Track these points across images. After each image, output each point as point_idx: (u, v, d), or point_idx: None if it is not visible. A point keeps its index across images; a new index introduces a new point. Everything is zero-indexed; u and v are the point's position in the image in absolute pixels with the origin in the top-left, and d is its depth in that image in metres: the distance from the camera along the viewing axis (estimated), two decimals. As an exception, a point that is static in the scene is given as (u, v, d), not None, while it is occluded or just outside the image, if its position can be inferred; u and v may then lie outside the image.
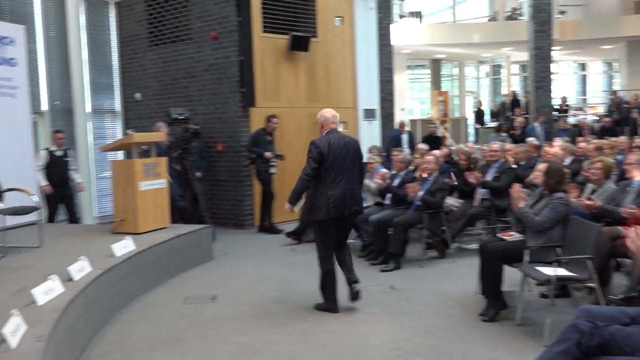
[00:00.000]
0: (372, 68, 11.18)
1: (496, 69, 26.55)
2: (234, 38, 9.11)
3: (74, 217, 8.59)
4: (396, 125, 12.37)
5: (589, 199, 5.32)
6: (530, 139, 9.55)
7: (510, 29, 20.15)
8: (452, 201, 7.40)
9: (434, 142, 11.56)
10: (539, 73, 15.02)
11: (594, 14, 21.76)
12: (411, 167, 7.53)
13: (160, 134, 7.66)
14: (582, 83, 27.96)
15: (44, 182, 8.08)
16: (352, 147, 5.09)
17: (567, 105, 18.89)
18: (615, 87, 23.61)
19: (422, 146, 9.08)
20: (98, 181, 10.39)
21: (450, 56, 23.95)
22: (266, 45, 9.42)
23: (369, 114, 11.16)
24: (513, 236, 4.97)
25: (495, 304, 4.73)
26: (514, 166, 7.70)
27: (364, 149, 10.12)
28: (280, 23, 9.60)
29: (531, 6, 15.21)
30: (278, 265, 6.83)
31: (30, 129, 8.13)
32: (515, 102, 18.19)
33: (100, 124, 10.73)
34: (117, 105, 10.93)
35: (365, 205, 7.36)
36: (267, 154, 8.62)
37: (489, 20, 22.90)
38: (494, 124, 17.56)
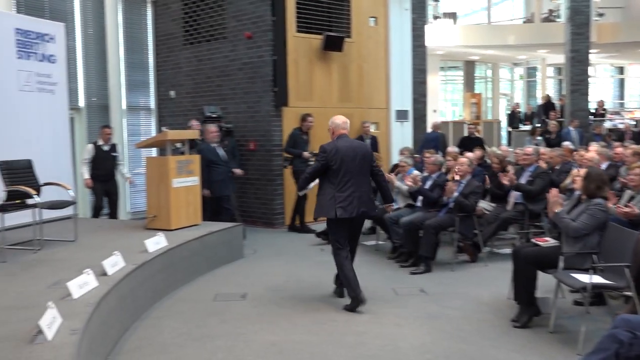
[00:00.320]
0: (406, 69, 11.11)
1: (531, 72, 26.18)
2: (268, 37, 9.15)
3: (115, 212, 8.71)
4: (433, 127, 12.29)
5: (626, 205, 5.21)
6: (566, 143, 9.39)
7: (546, 31, 19.84)
8: (484, 204, 7.32)
9: (471, 143, 11.44)
10: (575, 76, 14.75)
11: (633, 17, 21.29)
12: (443, 170, 7.46)
13: (193, 132, 7.73)
14: (620, 87, 27.38)
15: (86, 176, 8.27)
16: (361, 152, 5.28)
17: (604, 110, 18.53)
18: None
19: (453, 149, 9.00)
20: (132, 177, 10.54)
21: (484, 58, 23.68)
22: (300, 45, 9.44)
23: (401, 115, 11.10)
24: (548, 242, 4.88)
25: (528, 310, 4.65)
26: (549, 171, 7.57)
27: (395, 150, 10.16)
28: (314, 23, 9.61)
29: (569, 8, 14.94)
30: (308, 265, 6.83)
31: (67, 125, 8.28)
32: (549, 105, 17.91)
33: (134, 121, 10.89)
34: (152, 102, 11.07)
35: (395, 206, 7.34)
36: (306, 154, 8.66)
37: (525, 22, 22.59)
38: (527, 127, 17.31)
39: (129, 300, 4.84)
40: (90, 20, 10.00)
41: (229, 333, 4.63)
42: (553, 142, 12.16)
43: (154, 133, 10.90)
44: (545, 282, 4.85)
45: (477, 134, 12.30)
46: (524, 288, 4.68)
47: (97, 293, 4.25)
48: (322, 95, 9.83)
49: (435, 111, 20.20)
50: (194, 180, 7.01)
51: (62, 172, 7.68)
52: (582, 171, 5.23)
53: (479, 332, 4.57)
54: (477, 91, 23.39)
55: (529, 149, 7.61)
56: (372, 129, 10.37)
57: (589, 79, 15.28)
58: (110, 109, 10.29)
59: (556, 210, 4.66)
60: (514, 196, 7.11)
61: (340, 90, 10.10)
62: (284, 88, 9.18)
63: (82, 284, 4.28)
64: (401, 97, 11.09)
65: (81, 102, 9.88)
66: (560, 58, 17.30)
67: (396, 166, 8.54)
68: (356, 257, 6.66)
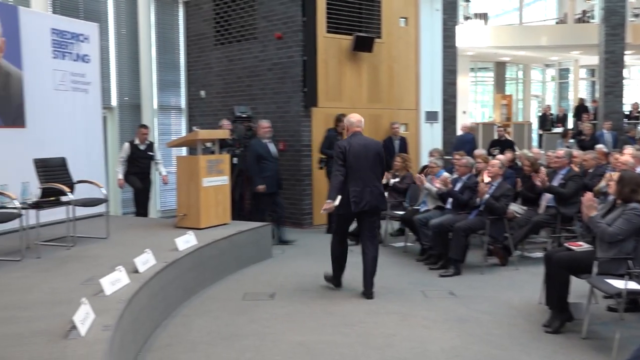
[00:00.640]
0: (436, 70, 11.04)
1: (563, 73, 25.78)
2: (298, 38, 9.17)
3: (145, 210, 8.76)
4: (465, 129, 12.19)
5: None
6: (599, 146, 9.21)
7: (579, 32, 19.51)
8: (515, 207, 7.23)
9: (501, 146, 11.32)
10: (610, 78, 14.51)
11: (670, 17, 20.83)
12: (473, 172, 7.39)
13: (224, 132, 7.79)
14: (655, 89, 26.81)
15: (120, 175, 8.41)
16: (372, 149, 5.59)
17: (639, 112, 18.16)
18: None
19: (481, 151, 8.91)
20: (160, 177, 10.66)
21: (516, 59, 23.39)
22: (330, 46, 9.44)
23: (431, 116, 11.02)
24: (582, 246, 4.80)
25: (560, 315, 4.58)
26: (582, 174, 7.44)
27: (425, 151, 10.10)
28: (344, 23, 9.61)
29: (603, 9, 14.69)
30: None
31: (100, 124, 8.41)
32: (582, 107, 17.62)
33: (165, 120, 11.02)
34: (182, 102, 11.18)
35: (425, 208, 7.30)
36: None
37: (557, 22, 22.25)
38: (559, 130, 17.06)
39: (160, 297, 4.90)
40: (124, 21, 10.15)
41: (257, 332, 4.64)
42: (587, 144, 11.96)
43: (184, 132, 11.01)
44: (578, 287, 4.76)
45: (507, 136, 12.15)
46: (556, 293, 4.61)
47: (129, 290, 4.30)
48: (352, 96, 9.81)
49: (464, 112, 20.01)
50: (224, 179, 7.06)
51: (94, 170, 7.80)
52: (616, 175, 5.12)
53: (509, 337, 4.51)
54: (507, 92, 23.11)
55: (561, 151, 7.48)
56: (401, 130, 10.32)
57: (624, 81, 14.99)
58: (141, 108, 10.42)
59: (591, 215, 4.57)
60: (546, 199, 7.01)
61: (370, 91, 10.08)
62: (313, 88, 9.19)
63: (114, 281, 4.34)
64: (431, 98, 11.02)
65: (113, 102, 10.03)
66: (593, 59, 17.01)
67: (425, 167, 8.49)
68: (385, 258, 6.68)
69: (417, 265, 6.88)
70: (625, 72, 15.61)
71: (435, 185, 7.07)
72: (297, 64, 9.22)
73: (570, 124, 19.41)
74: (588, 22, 20.26)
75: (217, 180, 6.94)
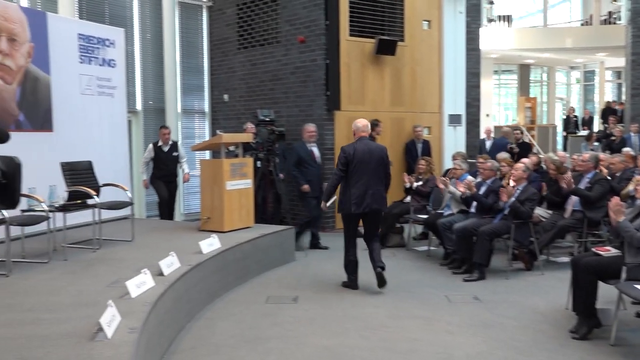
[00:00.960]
0: (459, 73, 10.97)
1: (588, 75, 25.45)
2: (321, 41, 9.19)
3: (171, 213, 8.79)
4: (501, 134, 12.16)
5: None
6: (626, 149, 9.07)
7: (605, 34, 19.24)
8: (541, 211, 7.15)
9: (521, 149, 11.22)
10: (637, 80, 14.26)
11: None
12: (498, 175, 7.32)
13: (247, 135, 7.82)
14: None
15: (144, 177, 8.49)
16: (376, 153, 5.83)
17: (667, 115, 17.83)
18: None
19: (504, 155, 8.82)
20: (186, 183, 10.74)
21: (540, 61, 23.15)
22: (352, 49, 9.44)
23: (454, 119, 10.95)
24: (609, 251, 4.72)
25: (587, 321, 4.51)
26: (609, 177, 7.33)
27: (448, 154, 10.03)
28: (367, 27, 9.60)
29: (630, 10, 14.46)
30: (359, 269, 6.77)
31: (126, 128, 8.51)
32: (609, 110, 17.36)
33: (189, 124, 11.10)
34: (206, 106, 11.26)
35: (448, 212, 7.25)
36: None
37: (583, 24, 21.98)
38: (585, 133, 16.84)
39: (184, 300, 4.93)
40: (148, 26, 10.26)
41: (281, 336, 4.65)
42: (616, 147, 11.79)
43: (207, 136, 11.09)
44: (605, 292, 4.68)
45: (527, 139, 12.08)
46: (583, 298, 4.54)
47: (154, 293, 4.33)
48: (375, 99, 9.80)
49: (488, 115, 19.86)
50: (247, 183, 7.09)
51: (119, 173, 7.89)
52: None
53: (535, 343, 4.46)
54: (531, 95, 22.88)
55: (587, 154, 7.38)
56: (424, 134, 10.28)
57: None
58: (166, 112, 10.52)
59: (618, 220, 4.49)
60: (572, 203, 6.92)
61: (393, 94, 10.05)
62: (336, 92, 9.20)
63: (140, 284, 4.38)
64: (454, 101, 10.96)
65: (138, 106, 10.14)
66: (619, 61, 16.78)
67: (448, 171, 8.44)
68: (408, 262, 6.68)
69: (440, 269, 6.84)
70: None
71: (459, 189, 7.02)
72: (319, 68, 9.24)
73: (596, 126, 19.16)
74: (614, 23, 19.97)
75: (240, 184, 6.97)
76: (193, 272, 5.17)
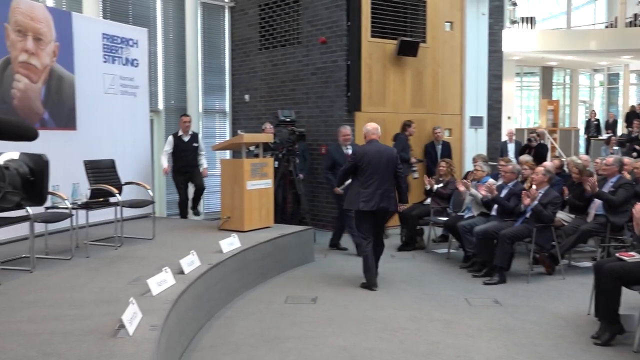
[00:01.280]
0: (481, 74, 10.89)
1: (612, 78, 25.14)
2: (342, 42, 9.18)
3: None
4: (508, 135, 12.08)
5: None
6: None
7: (630, 36, 19.02)
8: (563, 215, 7.08)
9: (535, 150, 11.11)
10: (662, 83, 14.05)
11: None
12: (519, 178, 7.26)
13: (267, 135, 7.84)
14: None
15: (165, 164, 8.38)
16: (386, 155, 6.10)
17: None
18: None
19: (527, 157, 8.74)
20: (206, 178, 10.77)
21: (563, 63, 22.92)
22: (374, 50, 9.42)
23: (476, 121, 10.88)
24: (633, 257, 4.65)
25: (610, 327, 4.45)
26: (633, 182, 7.23)
27: (469, 157, 9.97)
28: (389, 28, 9.57)
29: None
30: (378, 270, 6.75)
31: (148, 127, 8.57)
32: (633, 114, 17.13)
33: (210, 124, 11.16)
34: (227, 106, 11.32)
35: (469, 214, 7.21)
36: (413, 159, 9.03)
37: (607, 26, 21.72)
38: (607, 136, 16.65)
39: (204, 299, 4.96)
40: (171, 26, 10.33)
41: (300, 336, 4.65)
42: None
43: (228, 136, 11.14)
44: (629, 298, 4.62)
45: (541, 141, 12.00)
46: (606, 304, 4.48)
47: (175, 291, 4.37)
48: (396, 101, 9.77)
49: (509, 118, 19.70)
50: (267, 183, 7.11)
51: (141, 171, 7.97)
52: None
53: (557, 348, 4.41)
54: (554, 98, 22.66)
55: (610, 158, 7.28)
56: (445, 135, 10.23)
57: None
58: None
59: (643, 225, 4.43)
60: (595, 207, 6.83)
61: (414, 96, 10.01)
62: (357, 93, 9.18)
63: (161, 282, 4.41)
64: (476, 103, 10.88)
65: (160, 105, 10.21)
66: (645, 64, 16.55)
67: (468, 173, 8.38)
68: (427, 264, 6.68)
69: (460, 272, 6.80)
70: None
71: (481, 192, 6.97)
72: (341, 69, 9.23)
73: (619, 130, 18.93)
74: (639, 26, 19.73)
75: (260, 184, 7.00)
76: (213, 271, 5.20)
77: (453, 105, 10.59)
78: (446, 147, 9.95)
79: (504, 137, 12.28)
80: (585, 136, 18.86)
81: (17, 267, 5.20)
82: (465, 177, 8.27)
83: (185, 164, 8.45)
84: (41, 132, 1.87)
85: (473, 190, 7.15)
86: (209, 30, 10.93)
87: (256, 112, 10.76)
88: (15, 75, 6.41)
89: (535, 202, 6.35)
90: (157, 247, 6.19)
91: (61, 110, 7.06)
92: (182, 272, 4.84)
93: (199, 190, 8.66)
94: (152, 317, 3.76)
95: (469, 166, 9.66)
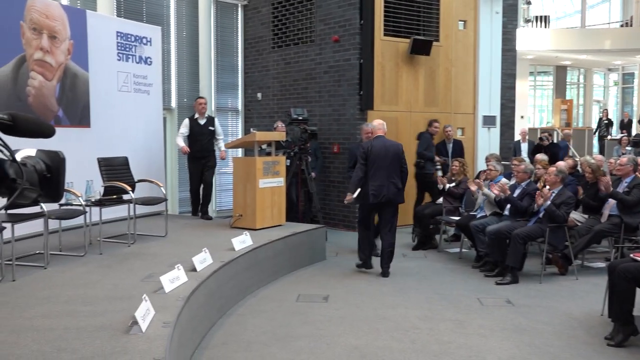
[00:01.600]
0: (494, 74, 10.84)
1: (627, 78, 24.91)
2: (355, 41, 9.17)
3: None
4: (562, 136, 12.06)
5: None
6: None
7: (646, 35, 18.85)
8: (576, 216, 7.03)
9: (548, 150, 11.04)
10: (678, 83, 13.92)
11: None
12: (533, 178, 7.22)
13: (280, 134, 7.85)
14: None
15: (181, 143, 7.99)
16: (392, 150, 6.43)
17: None
18: None
19: (542, 157, 8.69)
20: (218, 176, 10.80)
21: (577, 63, 22.74)
22: (387, 49, 9.41)
23: (489, 120, 10.83)
24: (648, 258, 4.61)
25: (624, 328, 4.42)
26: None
27: (482, 156, 9.93)
28: (402, 26, 9.55)
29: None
30: (390, 270, 6.74)
31: (161, 125, 8.61)
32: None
33: (222, 122, 11.15)
34: (239, 104, 11.34)
35: (481, 214, 7.18)
36: (438, 158, 9.08)
37: (622, 25, 21.53)
38: (622, 136, 16.50)
39: (216, 296, 4.97)
40: (185, 24, 10.36)
41: (311, 334, 4.66)
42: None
43: (240, 134, 11.16)
44: (643, 299, 4.60)
45: (552, 141, 11.93)
46: (620, 305, 4.45)
47: (187, 288, 4.39)
48: (408, 99, 9.75)
49: (522, 117, 19.59)
50: (279, 181, 7.13)
51: (154, 169, 8.00)
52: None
53: (569, 349, 4.38)
54: (568, 97, 22.50)
55: (624, 158, 7.22)
56: (457, 134, 10.19)
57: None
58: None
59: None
60: (609, 207, 6.78)
61: (427, 95, 9.99)
62: (369, 91, 9.17)
63: (173, 279, 4.44)
64: (489, 102, 10.83)
65: (173, 103, 10.25)
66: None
67: (480, 173, 8.35)
68: (440, 264, 6.72)
69: (472, 272, 6.77)
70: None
71: (494, 192, 6.93)
72: (353, 67, 9.22)
73: (634, 130, 18.76)
74: (655, 24, 19.55)
75: (272, 182, 7.01)
76: (225, 268, 5.22)
77: (466, 104, 10.55)
78: (457, 145, 9.89)
79: (517, 137, 12.21)
80: (595, 135, 18.71)
81: (32, 263, 5.26)
82: (478, 177, 8.24)
83: (200, 148, 8.01)
84: (55, 130, 1.89)
85: (486, 190, 7.11)
86: (222, 29, 10.95)
87: (268, 111, 10.78)
88: (31, 73, 6.46)
89: (548, 202, 6.31)
90: (169, 245, 6.22)
91: (75, 108, 7.11)
92: (194, 270, 4.86)
93: (207, 189, 8.22)
94: (164, 314, 3.78)
95: (481, 165, 9.63)
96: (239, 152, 10.31)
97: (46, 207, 5.12)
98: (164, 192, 6.90)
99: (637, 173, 7.03)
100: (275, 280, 6.26)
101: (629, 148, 13.45)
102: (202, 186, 8.22)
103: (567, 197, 6.43)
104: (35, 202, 1.57)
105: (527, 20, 20.41)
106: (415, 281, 6.33)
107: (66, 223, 6.07)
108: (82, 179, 6.10)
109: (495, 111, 10.92)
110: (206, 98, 8.64)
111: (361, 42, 9.13)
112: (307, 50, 10.01)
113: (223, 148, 8.24)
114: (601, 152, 17.18)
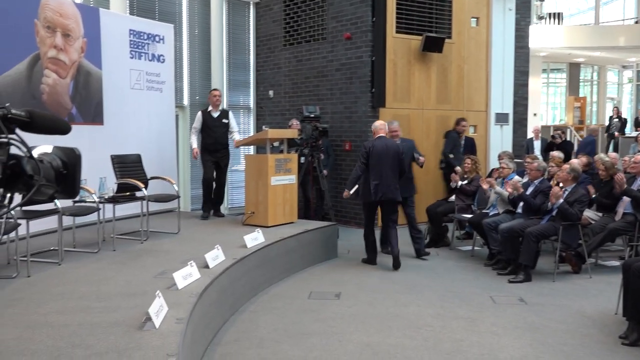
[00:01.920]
0: (507, 71, 10.78)
1: (642, 75, 24.71)
2: (367, 38, 9.16)
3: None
4: (589, 131, 12.01)
5: None
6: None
7: (661, 32, 18.67)
8: (590, 214, 6.98)
9: (560, 148, 10.96)
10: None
11: None
12: (546, 176, 7.18)
13: (292, 131, 7.85)
14: None
15: (194, 145, 7.94)
16: (392, 150, 6.66)
17: None
18: None
19: (557, 154, 8.63)
20: (230, 174, 10.80)
21: (590, 60, 22.57)
22: (399, 46, 9.38)
23: (501, 118, 10.78)
24: (663, 256, 4.57)
25: (638, 327, 4.38)
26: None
27: (494, 154, 9.87)
28: (414, 24, 9.52)
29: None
30: (402, 267, 6.74)
31: (173, 122, 8.65)
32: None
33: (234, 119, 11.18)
34: (251, 101, 11.36)
35: (494, 212, 7.14)
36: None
37: (637, 22, 21.33)
38: (636, 134, 16.33)
39: (229, 293, 4.99)
40: (197, 22, 10.39)
41: (323, 331, 4.66)
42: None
43: (252, 132, 11.18)
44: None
45: (565, 138, 11.87)
46: (634, 303, 4.41)
47: (200, 285, 4.40)
48: (420, 97, 9.72)
49: (535, 115, 19.47)
50: (291, 178, 7.13)
51: (166, 166, 8.03)
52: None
53: (583, 348, 4.36)
54: (581, 95, 22.33)
55: (639, 156, 7.16)
56: (470, 132, 10.15)
57: None
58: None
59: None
60: (623, 205, 6.72)
61: (439, 92, 9.95)
62: (381, 89, 9.15)
63: (186, 275, 4.45)
64: (501, 100, 10.77)
65: (185, 101, 10.28)
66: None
67: (493, 171, 8.31)
68: (452, 261, 6.75)
69: (485, 270, 6.74)
70: None
71: (507, 189, 6.90)
72: (365, 65, 9.21)
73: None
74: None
75: (284, 179, 7.02)
76: (237, 265, 5.23)
77: (478, 102, 10.50)
78: (469, 142, 9.83)
79: (530, 134, 12.14)
80: (606, 134, 18.51)
81: (46, 260, 5.30)
82: (490, 175, 8.20)
83: (213, 141, 7.83)
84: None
85: (498, 188, 7.08)
86: (234, 26, 10.97)
87: (280, 108, 10.79)
88: (45, 71, 6.51)
89: (561, 200, 6.27)
90: (182, 241, 6.25)
91: (88, 105, 7.16)
92: (207, 267, 4.88)
93: (220, 189, 8.09)
94: (177, 310, 3.80)
95: (494, 163, 9.57)
96: (251, 149, 10.33)
97: (60, 204, 5.16)
98: (177, 189, 6.93)
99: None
100: (287, 278, 6.27)
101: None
102: (214, 186, 8.05)
103: (580, 195, 6.39)
104: (51, 199, 1.58)
105: (540, 17, 20.27)
106: (428, 279, 6.31)
107: (80, 220, 6.11)
108: (96, 176, 6.13)
109: (508, 108, 10.87)
110: (220, 90, 8.49)
111: (373, 40, 9.11)
112: (319, 48, 10.00)
113: (237, 137, 7.98)
114: (614, 149, 17.02)
